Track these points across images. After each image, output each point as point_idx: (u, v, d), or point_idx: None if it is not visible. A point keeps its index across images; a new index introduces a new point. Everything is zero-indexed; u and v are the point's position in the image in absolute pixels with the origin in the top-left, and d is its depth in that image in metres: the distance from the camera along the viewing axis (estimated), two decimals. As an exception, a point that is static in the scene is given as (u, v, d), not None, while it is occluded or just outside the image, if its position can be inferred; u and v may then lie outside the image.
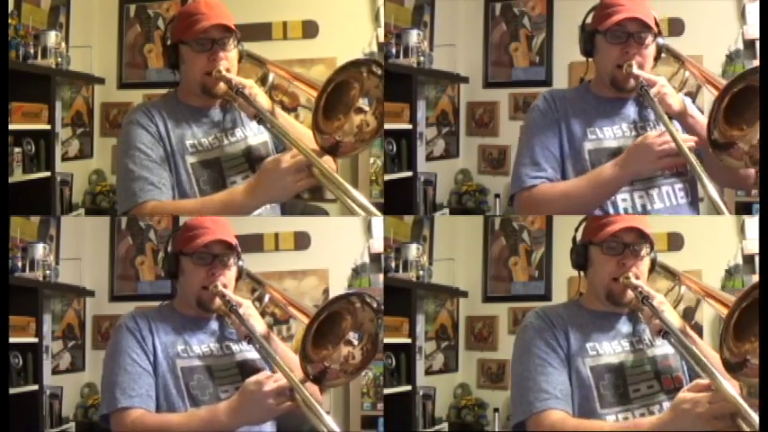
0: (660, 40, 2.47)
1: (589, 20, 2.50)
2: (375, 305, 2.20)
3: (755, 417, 1.95)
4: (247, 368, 2.35)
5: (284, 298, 2.48)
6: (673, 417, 2.04)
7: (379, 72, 2.29)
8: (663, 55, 2.51)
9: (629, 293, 2.25)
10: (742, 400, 1.97)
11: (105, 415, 2.29)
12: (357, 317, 2.22)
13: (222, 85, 2.45)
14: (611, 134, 2.47)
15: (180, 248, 2.37)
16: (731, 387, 1.99)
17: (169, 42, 2.52)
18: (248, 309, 2.33)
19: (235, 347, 2.39)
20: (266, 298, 2.48)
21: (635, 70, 2.40)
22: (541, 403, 2.19)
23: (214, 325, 2.41)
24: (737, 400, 1.96)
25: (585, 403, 2.22)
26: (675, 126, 2.37)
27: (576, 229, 2.37)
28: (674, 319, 2.20)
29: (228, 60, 2.46)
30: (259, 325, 2.32)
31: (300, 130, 2.50)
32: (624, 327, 2.32)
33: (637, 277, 2.25)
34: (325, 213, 3.11)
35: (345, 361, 2.22)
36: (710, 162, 2.29)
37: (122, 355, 2.29)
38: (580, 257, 2.34)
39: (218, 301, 2.34)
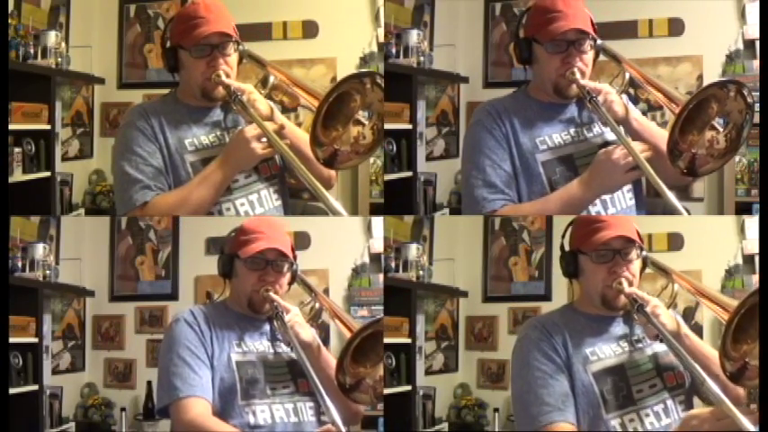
0: (598, 42, 2.44)
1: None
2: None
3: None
4: (298, 368, 2.35)
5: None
6: None
7: (382, 85, 2.32)
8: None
9: (623, 298, 2.26)
10: (738, 413, 1.98)
11: (164, 408, 2.30)
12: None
13: (221, 90, 2.46)
14: (561, 141, 2.46)
15: (235, 251, 2.39)
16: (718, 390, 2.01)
17: (168, 45, 2.52)
18: (295, 316, 2.35)
19: (285, 347, 2.41)
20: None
21: (580, 81, 2.39)
22: (545, 417, 2.18)
23: (266, 325, 2.43)
24: (734, 413, 1.97)
25: (591, 409, 2.21)
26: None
27: (563, 236, 2.37)
28: (669, 322, 2.20)
29: (228, 65, 2.47)
30: (304, 332, 2.33)
31: (299, 136, 2.50)
32: (620, 328, 2.31)
33: (630, 283, 2.25)
34: (325, 213, 3.09)
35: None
36: (656, 163, 2.31)
37: (181, 347, 2.31)
38: (570, 266, 2.34)
39: (267, 305, 2.37)
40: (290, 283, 2.43)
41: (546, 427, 2.18)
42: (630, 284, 2.26)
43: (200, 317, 2.37)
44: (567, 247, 2.37)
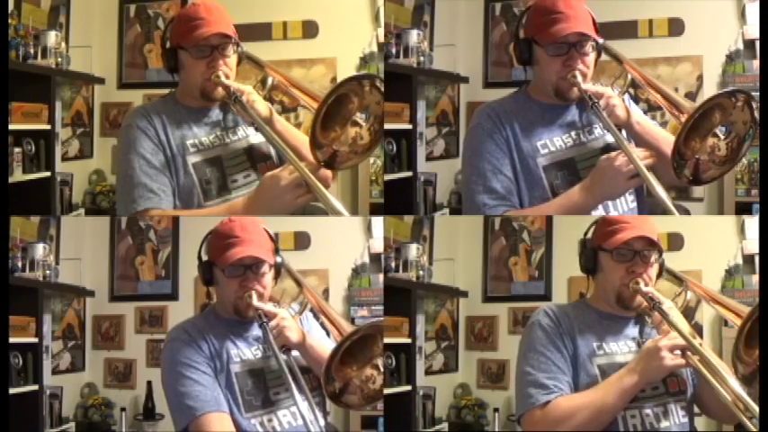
0: (600, 42, 2.41)
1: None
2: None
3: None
4: (294, 369, 2.32)
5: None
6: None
7: (382, 88, 2.31)
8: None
9: (638, 298, 2.27)
10: (748, 397, 2.02)
11: (184, 429, 2.27)
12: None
13: (221, 90, 2.46)
14: (562, 144, 2.44)
15: (212, 260, 2.37)
16: (740, 388, 2.05)
17: (168, 46, 2.52)
18: (282, 321, 2.30)
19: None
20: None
21: (582, 85, 2.36)
22: (543, 396, 2.20)
23: (257, 329, 2.38)
24: (746, 400, 2.02)
25: None
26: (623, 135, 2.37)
27: (586, 233, 2.37)
28: (682, 325, 2.22)
29: (228, 66, 2.47)
30: (293, 334, 2.30)
31: (298, 136, 2.50)
32: (631, 330, 2.33)
33: (646, 284, 2.27)
34: (325, 213, 3.10)
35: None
36: (658, 165, 2.31)
37: (183, 367, 2.27)
38: (590, 262, 2.34)
39: (252, 310, 2.34)
40: (275, 278, 2.40)
41: (544, 405, 2.19)
42: (647, 286, 2.27)
43: (193, 332, 2.33)
44: (587, 244, 2.37)
